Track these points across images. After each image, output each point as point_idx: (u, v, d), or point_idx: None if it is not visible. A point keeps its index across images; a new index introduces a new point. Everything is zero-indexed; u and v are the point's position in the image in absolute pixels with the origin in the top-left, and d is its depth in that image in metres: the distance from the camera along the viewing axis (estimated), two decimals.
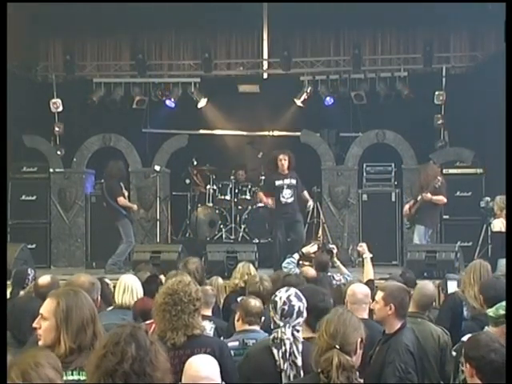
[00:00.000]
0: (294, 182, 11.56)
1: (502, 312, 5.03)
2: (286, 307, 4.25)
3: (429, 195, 11.31)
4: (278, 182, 11.56)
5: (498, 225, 10.71)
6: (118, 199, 11.98)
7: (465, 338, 5.09)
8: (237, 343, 5.09)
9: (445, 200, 11.48)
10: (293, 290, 4.38)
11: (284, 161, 11.57)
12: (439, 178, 11.35)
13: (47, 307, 3.77)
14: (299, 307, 4.28)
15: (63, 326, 3.69)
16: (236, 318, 5.34)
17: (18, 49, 13.25)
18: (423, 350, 5.47)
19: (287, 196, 11.52)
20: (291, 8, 13.58)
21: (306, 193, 11.89)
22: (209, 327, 5.29)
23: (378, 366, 4.79)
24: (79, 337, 3.67)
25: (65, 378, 3.58)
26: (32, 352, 3.03)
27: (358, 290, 5.59)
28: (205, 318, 5.62)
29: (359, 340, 3.67)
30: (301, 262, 8.58)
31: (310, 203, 12.02)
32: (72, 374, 3.60)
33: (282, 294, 4.33)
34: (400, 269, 10.30)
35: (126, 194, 12.37)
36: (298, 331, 4.21)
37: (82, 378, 3.55)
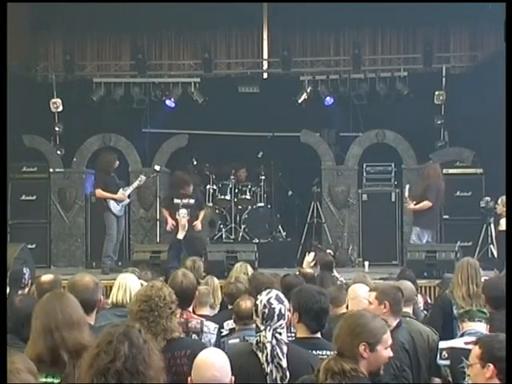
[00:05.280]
0: (192, 201, 11.59)
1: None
2: (267, 310, 4.18)
3: (411, 206, 11.44)
4: (176, 200, 11.70)
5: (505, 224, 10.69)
6: (96, 191, 12.17)
7: (444, 345, 5.10)
8: (237, 340, 5.09)
9: (430, 204, 11.48)
10: (274, 293, 4.31)
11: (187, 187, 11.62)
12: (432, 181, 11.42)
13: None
14: (280, 309, 4.20)
15: (32, 330, 3.75)
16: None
17: (18, 49, 13.24)
18: (415, 349, 5.48)
19: (182, 215, 11.38)
20: (291, 8, 13.58)
21: (201, 214, 11.77)
22: (212, 327, 5.27)
23: None
24: (38, 343, 3.67)
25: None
26: (10, 358, 3.05)
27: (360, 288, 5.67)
28: (204, 317, 5.62)
29: (362, 346, 3.68)
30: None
31: (197, 225, 11.55)
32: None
33: (262, 297, 4.27)
34: (400, 268, 10.28)
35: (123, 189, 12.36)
36: (280, 334, 4.15)
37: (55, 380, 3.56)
